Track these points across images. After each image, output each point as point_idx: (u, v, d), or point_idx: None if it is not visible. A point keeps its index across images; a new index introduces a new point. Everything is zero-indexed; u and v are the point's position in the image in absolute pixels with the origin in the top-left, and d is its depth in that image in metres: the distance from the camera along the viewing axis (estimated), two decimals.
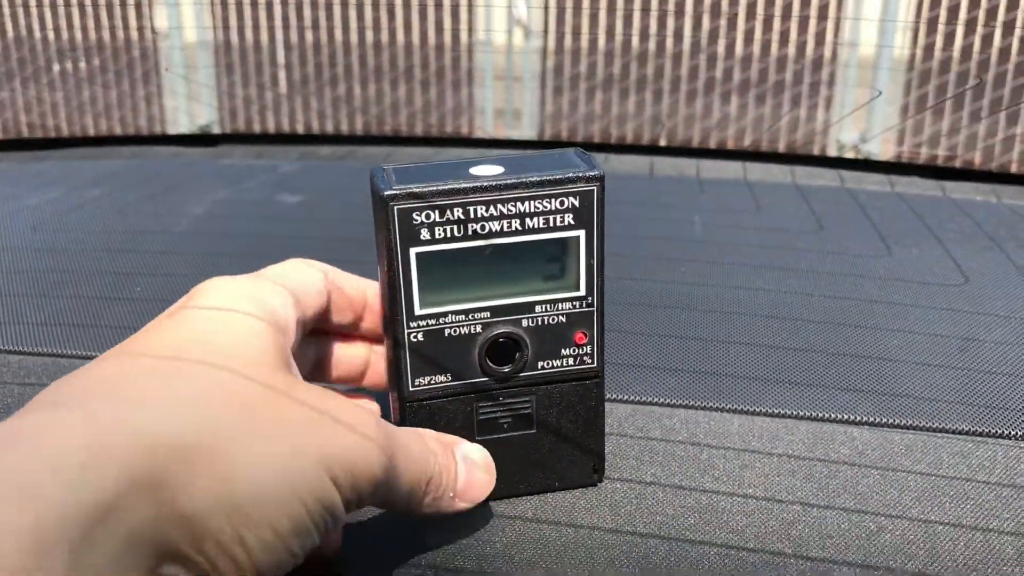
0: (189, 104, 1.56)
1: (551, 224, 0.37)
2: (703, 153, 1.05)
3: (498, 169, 0.37)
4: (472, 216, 0.36)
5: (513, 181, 0.36)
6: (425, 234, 0.36)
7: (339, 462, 0.30)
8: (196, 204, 0.84)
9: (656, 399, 0.49)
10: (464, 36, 1.59)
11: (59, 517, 0.23)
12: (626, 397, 0.49)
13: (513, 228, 0.37)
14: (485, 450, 0.39)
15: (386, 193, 0.36)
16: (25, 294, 0.63)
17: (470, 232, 0.37)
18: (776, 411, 0.48)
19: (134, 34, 1.59)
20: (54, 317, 0.59)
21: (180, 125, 1.48)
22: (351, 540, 0.38)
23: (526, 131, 1.54)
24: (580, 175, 0.37)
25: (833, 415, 0.47)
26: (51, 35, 1.59)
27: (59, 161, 1.05)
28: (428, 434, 0.37)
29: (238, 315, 0.33)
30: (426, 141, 1.27)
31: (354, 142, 1.13)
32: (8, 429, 0.26)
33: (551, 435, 0.40)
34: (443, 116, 1.52)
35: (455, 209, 0.36)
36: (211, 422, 0.28)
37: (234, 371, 0.30)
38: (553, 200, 0.37)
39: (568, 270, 0.38)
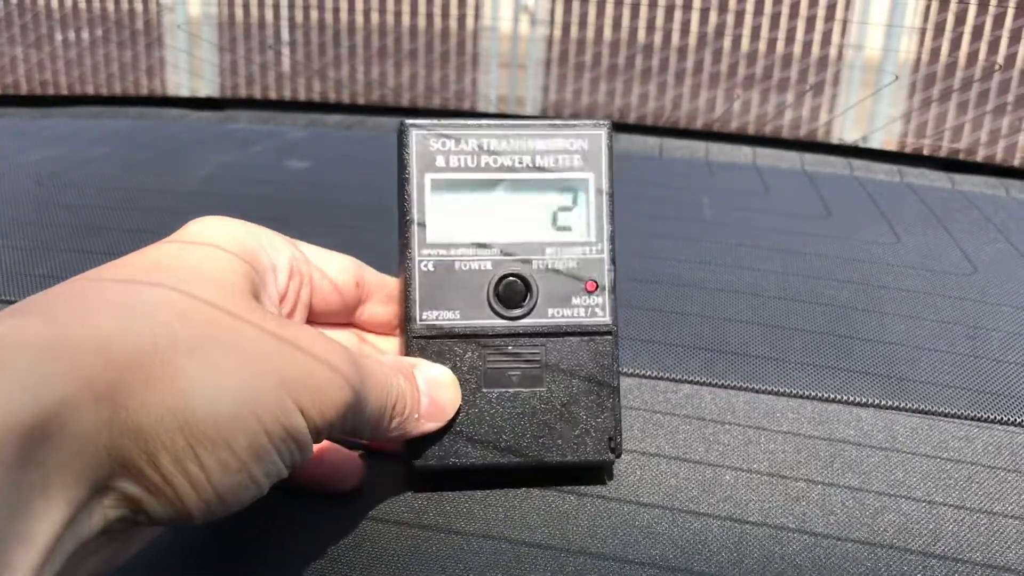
0: (192, 80, 1.55)
1: (560, 164, 0.40)
2: (713, 136, 1.04)
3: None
4: (486, 148, 0.39)
5: (526, 121, 0.40)
6: (440, 161, 0.39)
7: (304, 387, 0.30)
8: (203, 166, 0.83)
9: (660, 374, 0.48)
10: (470, 21, 1.59)
11: (9, 411, 0.23)
12: (630, 370, 0.48)
13: (524, 164, 0.40)
14: (447, 368, 0.39)
15: (407, 121, 0.39)
16: (27, 247, 0.62)
17: (483, 164, 0.39)
18: (781, 390, 0.47)
19: (138, 5, 1.58)
20: (56, 271, 0.59)
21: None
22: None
23: None
24: (589, 121, 0.40)
25: (839, 396, 0.47)
26: (55, 3, 1.58)
27: (65, 118, 1.04)
28: (389, 358, 0.38)
29: (209, 245, 0.33)
30: (434, 113, 1.27)
31: (362, 111, 1.12)
32: None
33: (561, 394, 0.40)
34: (446, 101, 1.51)
35: (470, 139, 0.39)
36: (169, 333, 0.28)
37: (196, 291, 0.30)
38: (562, 140, 0.40)
39: (577, 213, 0.40)
